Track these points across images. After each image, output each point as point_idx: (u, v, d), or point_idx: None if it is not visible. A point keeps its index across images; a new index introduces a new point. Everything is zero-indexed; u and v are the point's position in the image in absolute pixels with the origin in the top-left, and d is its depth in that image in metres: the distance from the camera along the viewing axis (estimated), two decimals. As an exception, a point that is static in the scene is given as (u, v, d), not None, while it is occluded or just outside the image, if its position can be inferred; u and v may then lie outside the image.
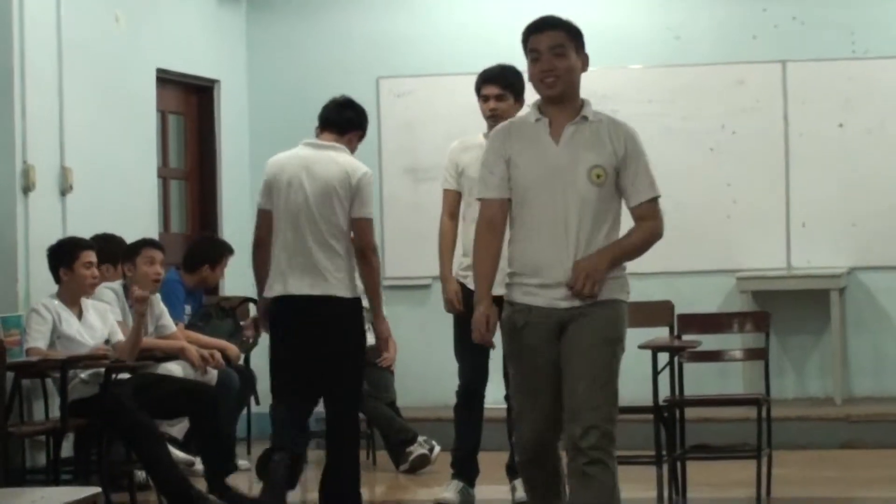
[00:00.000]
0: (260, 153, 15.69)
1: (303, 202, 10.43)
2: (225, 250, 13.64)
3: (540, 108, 7.71)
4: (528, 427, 7.61)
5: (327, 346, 10.00)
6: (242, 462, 12.89)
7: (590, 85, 14.28)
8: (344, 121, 10.93)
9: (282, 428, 10.59)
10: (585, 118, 7.67)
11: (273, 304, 10.62)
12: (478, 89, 10.77)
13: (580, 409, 7.38)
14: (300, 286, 10.40)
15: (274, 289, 10.54)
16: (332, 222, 10.48)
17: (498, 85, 10.42)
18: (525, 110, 7.93)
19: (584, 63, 7.83)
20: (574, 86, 7.73)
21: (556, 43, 7.68)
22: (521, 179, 7.60)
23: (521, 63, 10.21)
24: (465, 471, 11.10)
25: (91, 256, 11.47)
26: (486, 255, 7.67)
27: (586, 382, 7.38)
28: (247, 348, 13.54)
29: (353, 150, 10.79)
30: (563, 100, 7.69)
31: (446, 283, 11.11)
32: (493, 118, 10.09)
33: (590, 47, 15.26)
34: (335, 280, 10.41)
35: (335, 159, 10.63)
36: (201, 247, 13.98)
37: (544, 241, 7.55)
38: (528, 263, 7.57)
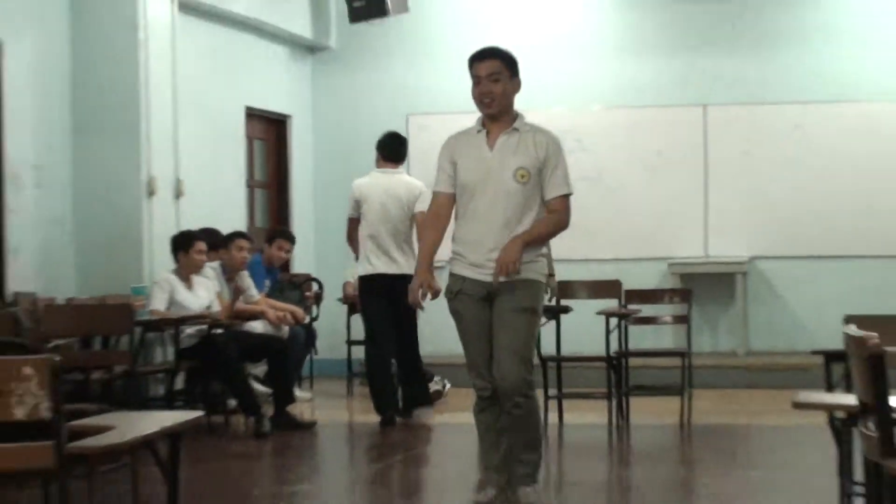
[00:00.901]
0: (320, 169, 16.13)
1: (383, 212, 11.23)
2: (277, 235, 13.56)
3: (482, 121, 7.52)
4: (475, 373, 7.50)
5: (400, 305, 10.16)
6: (302, 394, 13.00)
7: (561, 121, 14.91)
8: (401, 155, 11.80)
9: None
10: (516, 129, 7.44)
11: (362, 278, 11.47)
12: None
13: (504, 373, 7.29)
14: (382, 267, 11.23)
15: (364, 268, 11.39)
16: (400, 226, 11.31)
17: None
18: (470, 124, 7.60)
19: (517, 86, 7.57)
20: (508, 104, 7.50)
21: (493, 71, 7.45)
22: (462, 178, 7.44)
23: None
24: None
25: (202, 246, 11.54)
26: (430, 235, 7.62)
27: (507, 352, 7.28)
28: (309, 312, 13.59)
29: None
30: (499, 116, 7.45)
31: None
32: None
33: (563, 94, 15.73)
34: (403, 263, 11.15)
35: (402, 181, 11.51)
36: (269, 231, 14.23)
37: (479, 227, 7.38)
38: (466, 243, 7.44)
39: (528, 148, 7.42)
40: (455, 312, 7.54)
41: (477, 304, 7.42)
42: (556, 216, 7.48)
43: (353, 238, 11.84)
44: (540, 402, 10.68)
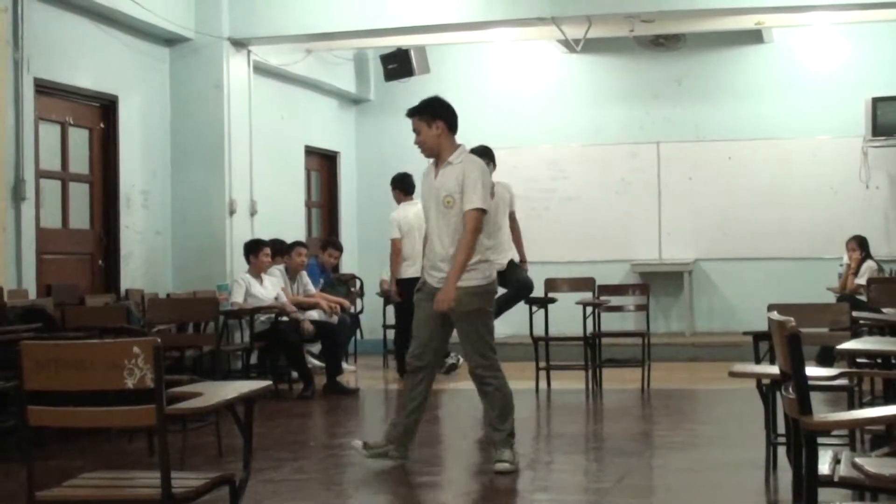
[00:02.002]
0: (362, 193, 16.25)
1: (420, 233, 10.74)
2: (329, 244, 13.57)
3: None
4: (415, 343, 7.33)
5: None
6: (349, 367, 12.94)
7: (546, 155, 14.80)
8: (415, 188, 11.72)
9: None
10: (450, 163, 7.16)
11: (404, 281, 11.41)
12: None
13: (468, 359, 7.21)
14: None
15: (407, 272, 11.40)
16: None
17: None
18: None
19: (439, 127, 7.21)
20: (437, 145, 7.22)
21: (414, 127, 7.27)
22: (422, 204, 7.41)
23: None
24: None
25: (268, 251, 11.58)
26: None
27: (467, 344, 7.16)
28: (354, 304, 13.55)
29: None
30: (436, 155, 7.23)
31: None
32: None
33: (548, 134, 15.74)
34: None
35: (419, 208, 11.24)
36: (323, 241, 14.21)
37: (430, 241, 7.24)
38: (427, 256, 7.32)
39: (456, 177, 7.13)
40: (416, 304, 7.36)
41: (430, 300, 7.20)
42: (465, 235, 7.06)
43: (397, 252, 12.05)
44: (532, 374, 10.98)
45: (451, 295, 7.02)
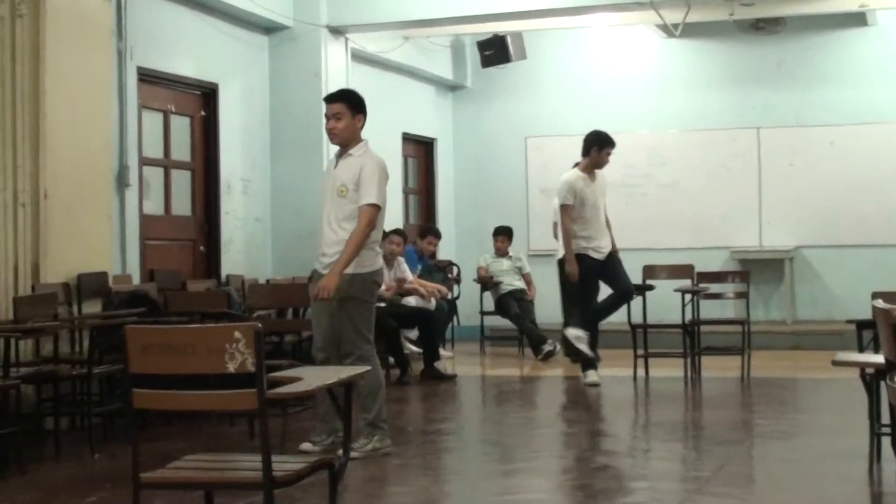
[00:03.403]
0: (459, 180, 16.26)
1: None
2: (428, 232, 13.61)
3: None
4: (317, 335, 7.28)
5: None
6: (446, 353, 12.87)
7: (645, 140, 14.76)
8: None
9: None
10: (350, 154, 7.21)
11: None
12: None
13: (342, 346, 7.12)
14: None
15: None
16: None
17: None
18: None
19: (359, 121, 7.30)
20: (350, 136, 7.24)
21: (335, 111, 7.23)
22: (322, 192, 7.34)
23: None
24: (593, 363, 10.70)
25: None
26: None
27: (341, 330, 7.11)
28: (451, 290, 13.51)
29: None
30: (344, 144, 7.24)
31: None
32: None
33: (646, 119, 15.69)
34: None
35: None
36: (421, 227, 14.30)
37: (323, 228, 7.23)
38: (319, 244, 7.30)
39: (354, 168, 7.16)
40: (310, 292, 7.34)
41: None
42: (357, 227, 7.10)
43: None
44: (630, 362, 10.91)
45: (333, 283, 7.02)
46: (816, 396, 10.43)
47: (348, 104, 7.31)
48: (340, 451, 5.23)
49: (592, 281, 10.68)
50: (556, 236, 11.41)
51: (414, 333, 12.48)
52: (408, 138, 15.46)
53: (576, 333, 10.60)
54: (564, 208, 10.61)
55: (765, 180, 15.31)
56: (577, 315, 10.66)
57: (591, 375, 10.68)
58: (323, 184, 7.42)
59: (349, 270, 7.09)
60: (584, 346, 10.61)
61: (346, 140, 7.29)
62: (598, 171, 10.81)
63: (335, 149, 7.38)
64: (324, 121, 12.38)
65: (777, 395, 10.67)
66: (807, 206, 15.10)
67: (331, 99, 7.39)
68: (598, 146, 10.75)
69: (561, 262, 10.72)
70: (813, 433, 8.27)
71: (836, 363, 5.87)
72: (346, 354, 7.13)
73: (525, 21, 13.61)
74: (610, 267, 10.77)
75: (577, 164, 10.85)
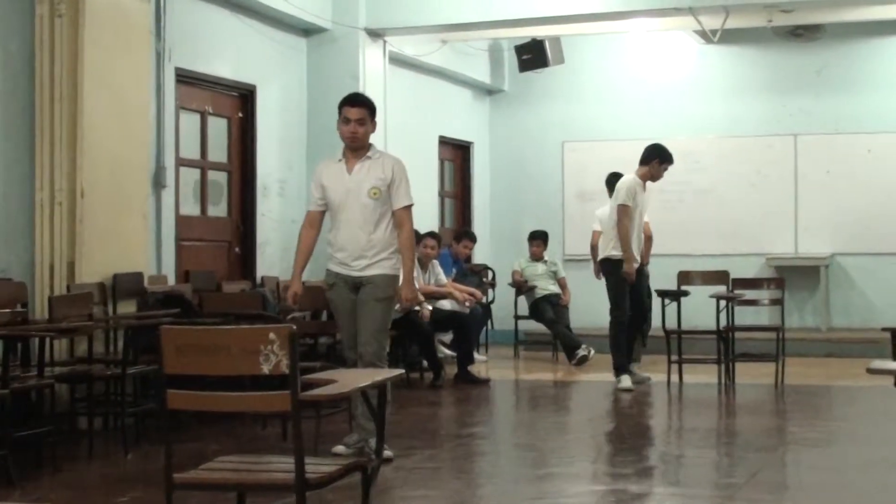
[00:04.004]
0: (495, 184, 16.29)
1: None
2: (463, 235, 13.68)
3: (343, 152, 7.39)
4: (347, 335, 7.37)
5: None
6: (480, 357, 12.98)
7: (681, 146, 14.79)
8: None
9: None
10: (369, 157, 7.32)
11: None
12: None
13: (363, 347, 7.17)
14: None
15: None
16: None
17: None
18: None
19: (374, 126, 7.41)
20: (366, 140, 7.35)
21: (360, 116, 7.30)
22: (329, 197, 7.35)
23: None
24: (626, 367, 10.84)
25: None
26: (304, 245, 7.53)
27: (366, 331, 7.19)
28: (486, 294, 13.57)
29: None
30: (359, 148, 7.33)
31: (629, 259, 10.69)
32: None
33: (684, 125, 15.67)
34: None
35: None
36: (457, 231, 14.34)
37: (347, 233, 7.30)
38: (337, 246, 7.37)
39: (379, 171, 7.29)
40: (330, 300, 7.50)
41: (348, 294, 7.33)
42: (404, 237, 7.31)
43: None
44: (664, 367, 10.88)
45: (412, 294, 7.35)
46: (851, 404, 10.36)
47: (369, 110, 7.41)
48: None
49: (626, 287, 10.82)
50: (594, 243, 11.67)
51: (448, 337, 12.49)
52: (444, 142, 15.48)
53: (626, 385, 10.72)
54: (624, 209, 10.74)
55: (801, 187, 15.23)
56: (620, 358, 10.82)
57: (625, 381, 10.75)
58: (332, 189, 7.40)
59: (392, 272, 7.31)
60: (631, 385, 10.75)
61: (363, 144, 7.39)
62: (648, 184, 10.93)
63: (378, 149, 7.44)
64: (379, 129, 12.53)
65: (811, 402, 10.61)
66: (843, 213, 15.01)
67: (355, 103, 7.45)
68: (659, 159, 10.97)
69: (611, 262, 10.85)
70: (848, 441, 8.23)
71: (870, 371, 5.78)
72: (374, 353, 7.19)
73: (563, 26, 13.59)
74: (637, 281, 10.90)
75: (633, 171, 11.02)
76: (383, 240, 7.33)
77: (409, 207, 7.34)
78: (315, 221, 7.56)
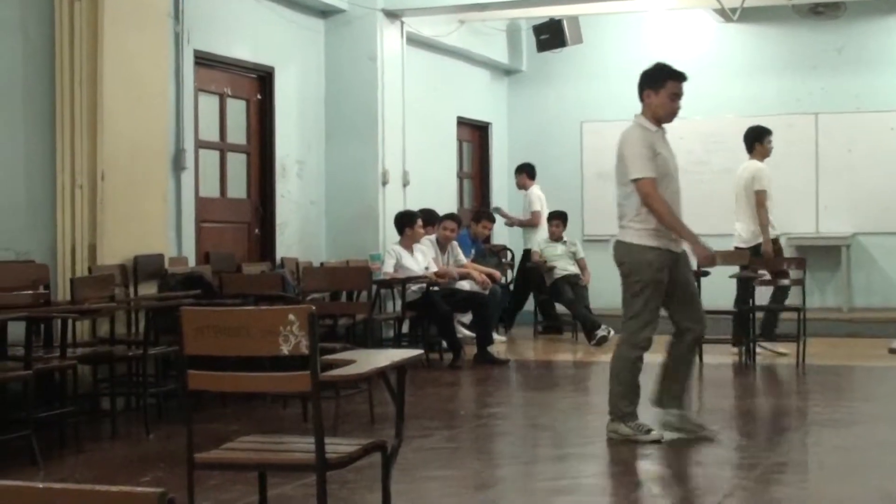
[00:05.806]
0: (514, 164, 16.15)
1: None
2: (482, 216, 13.57)
3: (652, 123, 7.09)
4: (652, 327, 7.45)
5: None
6: (499, 337, 12.93)
7: (701, 126, 14.63)
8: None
9: None
10: (665, 130, 7.22)
11: None
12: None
13: (699, 318, 7.46)
14: None
15: None
16: None
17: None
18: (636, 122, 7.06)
19: None
20: None
21: (680, 92, 7.14)
22: (662, 167, 7.00)
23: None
24: None
25: (420, 224, 11.60)
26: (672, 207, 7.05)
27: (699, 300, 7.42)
28: (504, 274, 13.56)
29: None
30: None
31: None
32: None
33: (703, 105, 15.56)
34: None
35: None
36: (475, 211, 14.30)
37: (676, 208, 7.10)
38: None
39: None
40: (660, 281, 7.20)
41: (668, 271, 7.20)
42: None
43: None
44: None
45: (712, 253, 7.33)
46: (873, 384, 10.34)
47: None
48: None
49: None
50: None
51: (467, 317, 12.50)
52: (462, 122, 15.47)
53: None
54: (764, 194, 11.45)
55: (822, 167, 15.21)
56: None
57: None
58: (664, 158, 7.08)
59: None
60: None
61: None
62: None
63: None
64: (379, 104, 12.57)
65: (833, 382, 10.58)
66: (864, 192, 14.97)
67: (684, 78, 7.18)
68: (762, 137, 11.83)
69: (751, 249, 11.33)
70: (870, 421, 8.20)
71: (892, 351, 5.78)
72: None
73: (582, 5, 13.58)
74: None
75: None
76: None
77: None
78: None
